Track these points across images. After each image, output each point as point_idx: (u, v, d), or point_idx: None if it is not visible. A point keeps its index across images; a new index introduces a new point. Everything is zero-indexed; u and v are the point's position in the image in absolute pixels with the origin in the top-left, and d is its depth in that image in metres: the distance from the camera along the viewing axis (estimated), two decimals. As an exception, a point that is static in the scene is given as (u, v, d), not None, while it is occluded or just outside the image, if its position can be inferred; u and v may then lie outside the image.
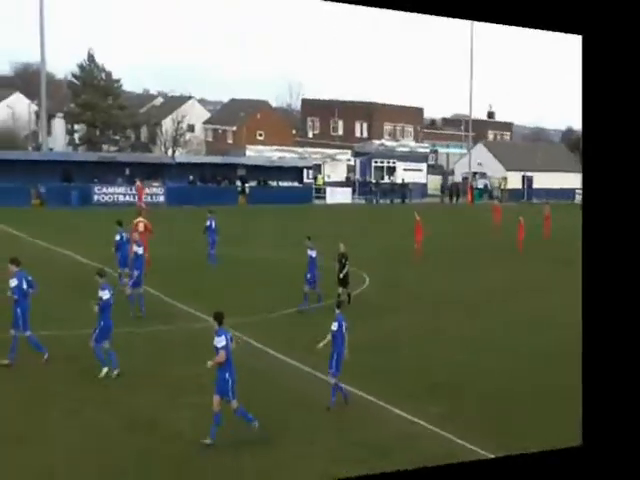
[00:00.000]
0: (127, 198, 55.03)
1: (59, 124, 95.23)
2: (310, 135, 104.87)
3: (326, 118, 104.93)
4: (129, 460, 13.62)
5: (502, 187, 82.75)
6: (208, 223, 33.43)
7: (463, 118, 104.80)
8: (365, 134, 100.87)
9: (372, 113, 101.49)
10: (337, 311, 16.97)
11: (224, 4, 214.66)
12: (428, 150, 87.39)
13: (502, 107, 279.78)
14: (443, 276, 33.41)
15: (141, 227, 30.12)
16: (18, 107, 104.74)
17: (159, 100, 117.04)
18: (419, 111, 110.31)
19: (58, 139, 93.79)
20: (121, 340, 20.77)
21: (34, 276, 27.88)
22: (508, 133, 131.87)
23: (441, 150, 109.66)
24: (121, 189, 55.72)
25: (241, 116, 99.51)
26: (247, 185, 62.04)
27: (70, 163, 58.02)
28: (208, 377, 17.60)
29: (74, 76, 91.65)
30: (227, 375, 14.57)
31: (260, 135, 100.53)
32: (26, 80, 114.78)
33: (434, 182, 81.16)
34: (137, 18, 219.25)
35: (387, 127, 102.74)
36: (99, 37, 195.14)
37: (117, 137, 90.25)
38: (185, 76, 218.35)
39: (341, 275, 25.42)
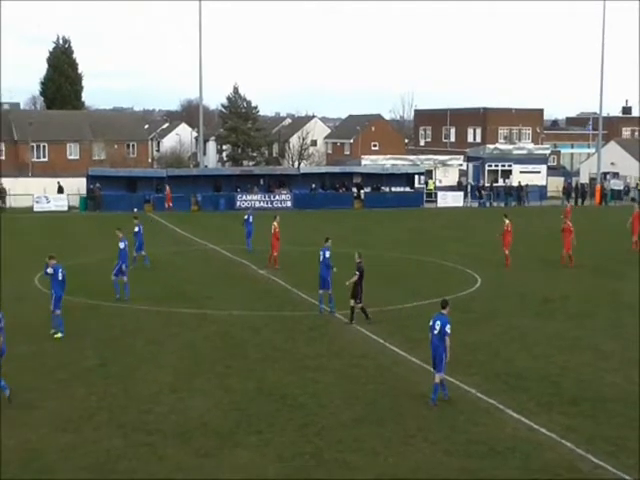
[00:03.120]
0: (262, 204, 55.70)
1: (212, 146, 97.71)
2: (422, 143, 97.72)
3: (438, 126, 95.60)
4: (260, 419, 14.05)
5: None
6: (246, 217, 34.22)
7: (591, 116, 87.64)
8: (478, 139, 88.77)
9: (486, 118, 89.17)
10: (443, 311, 14.85)
11: (340, 33, 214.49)
12: (548, 151, 73.09)
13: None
14: (549, 280, 28.11)
15: (273, 230, 30.08)
16: (183, 134, 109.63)
17: (288, 121, 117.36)
18: (538, 112, 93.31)
19: (211, 158, 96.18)
20: (260, 322, 21.59)
21: (190, 263, 29.46)
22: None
23: (564, 150, 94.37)
24: (257, 196, 56.66)
25: (357, 130, 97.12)
26: (362, 191, 59.39)
27: (219, 176, 59.36)
28: (326, 357, 18.11)
29: (223, 106, 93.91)
30: None
31: (374, 146, 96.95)
32: (189, 113, 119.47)
33: (555, 184, 67.30)
34: (268, 55, 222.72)
35: (502, 131, 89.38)
36: (241, 73, 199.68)
37: (254, 154, 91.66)
38: (310, 98, 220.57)
39: (347, 283, 20.61)
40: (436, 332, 14.69)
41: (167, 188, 55.03)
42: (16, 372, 16.76)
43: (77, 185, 55.77)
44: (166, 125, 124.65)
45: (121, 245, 24.36)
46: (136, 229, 29.77)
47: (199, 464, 12.20)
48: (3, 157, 72.51)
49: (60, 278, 19.45)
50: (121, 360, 17.79)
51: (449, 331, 14.60)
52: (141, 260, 29.92)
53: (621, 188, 66.53)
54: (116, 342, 19.34)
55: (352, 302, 20.77)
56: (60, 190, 55.37)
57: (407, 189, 61.38)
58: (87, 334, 20.05)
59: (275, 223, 30.36)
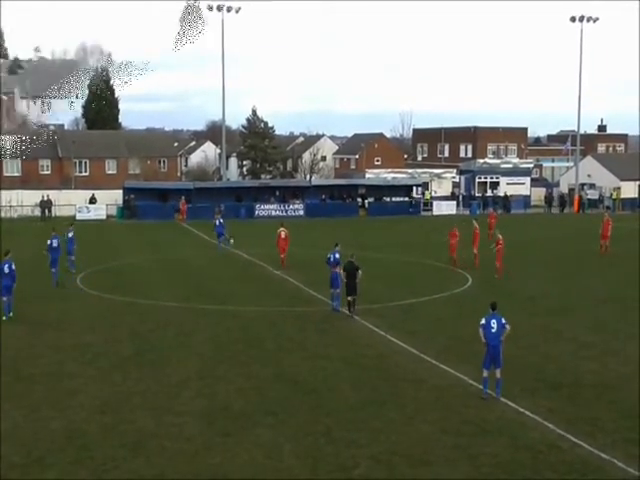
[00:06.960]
0: (277, 213, 55.51)
1: (233, 161, 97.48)
2: (419, 158, 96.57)
3: (433, 143, 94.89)
4: (277, 402, 14.02)
5: (614, 197, 65.24)
6: (216, 222, 36.03)
7: (570, 134, 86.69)
8: (469, 154, 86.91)
9: (476, 136, 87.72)
10: (491, 311, 14.34)
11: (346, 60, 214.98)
12: (531, 165, 72.73)
13: (617, 119, 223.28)
14: (533, 279, 27.67)
15: (283, 235, 30.18)
16: (208, 151, 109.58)
17: (300, 139, 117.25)
18: (522, 131, 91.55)
19: (233, 172, 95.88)
20: (276, 316, 21.47)
21: (214, 265, 28.93)
22: (622, 145, 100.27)
23: (546, 164, 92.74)
24: (274, 206, 56.54)
25: (362, 147, 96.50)
26: (366, 201, 59.26)
27: (240, 188, 59.23)
28: (335, 347, 18.03)
29: (243, 127, 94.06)
30: None
31: (377, 160, 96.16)
32: (213, 132, 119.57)
33: (537, 194, 67.13)
34: (283, 81, 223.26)
35: (490, 147, 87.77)
36: (260, 97, 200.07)
37: (271, 169, 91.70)
38: (320, 119, 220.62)
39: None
40: (493, 330, 14.05)
41: (182, 200, 53.43)
42: (62, 361, 16.86)
43: (115, 196, 55.97)
44: (193, 143, 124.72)
45: (49, 242, 25.69)
46: (70, 234, 28.27)
47: (222, 442, 12.20)
48: (49, 172, 73.14)
49: (7, 271, 20.24)
50: (154, 350, 17.80)
51: (508, 326, 14.21)
52: (67, 264, 28.06)
53: (597, 197, 67.19)
54: (149, 334, 19.36)
55: (348, 297, 21.03)
56: (92, 201, 55.21)
57: (406, 199, 61.39)
58: (123, 327, 20.09)
59: (283, 229, 30.33)
